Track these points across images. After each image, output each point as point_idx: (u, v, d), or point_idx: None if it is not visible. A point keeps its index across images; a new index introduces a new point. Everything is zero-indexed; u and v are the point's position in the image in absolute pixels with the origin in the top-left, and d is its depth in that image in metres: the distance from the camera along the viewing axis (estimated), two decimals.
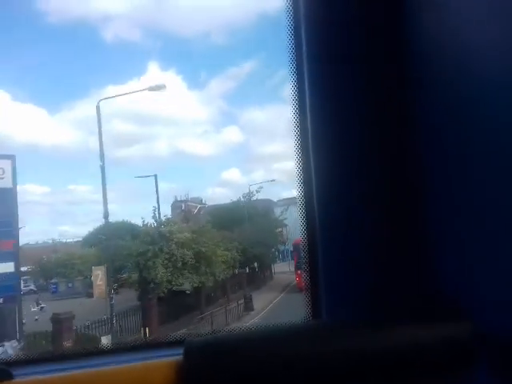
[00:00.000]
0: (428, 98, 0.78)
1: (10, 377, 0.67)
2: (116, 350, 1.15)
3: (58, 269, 27.34)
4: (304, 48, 0.89)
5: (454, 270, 0.75)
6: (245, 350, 0.65)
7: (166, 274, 16.73)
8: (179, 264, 17.23)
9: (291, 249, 70.23)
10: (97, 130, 16.55)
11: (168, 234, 17.54)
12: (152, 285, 16.43)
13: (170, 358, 0.66)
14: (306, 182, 0.93)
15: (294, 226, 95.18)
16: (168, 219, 20.62)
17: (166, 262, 16.93)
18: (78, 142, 44.01)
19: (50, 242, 36.29)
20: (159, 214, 19.56)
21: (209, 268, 18.49)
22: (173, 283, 16.99)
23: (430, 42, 0.77)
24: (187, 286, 17.97)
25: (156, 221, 19.05)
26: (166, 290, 16.72)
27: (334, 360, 0.64)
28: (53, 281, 27.99)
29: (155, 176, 22.12)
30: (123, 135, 45.28)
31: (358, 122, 0.85)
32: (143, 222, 19.33)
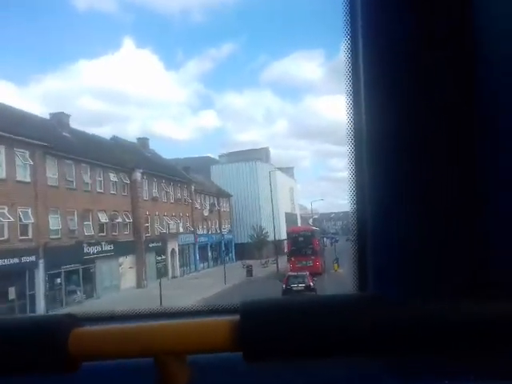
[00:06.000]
0: (497, 88, 0.77)
1: (79, 325, 0.71)
2: (174, 313, 1.19)
3: None
4: (360, 45, 0.87)
5: (507, 248, 0.77)
6: (297, 313, 0.69)
7: None
8: None
9: (242, 240, 51.89)
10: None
11: None
12: None
13: (227, 318, 0.70)
14: (357, 152, 0.93)
15: (245, 195, 59.00)
16: None
17: None
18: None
19: None
20: None
21: None
22: None
23: (503, 22, 0.75)
24: None
25: None
26: None
27: (382, 331, 0.67)
28: None
29: None
30: (93, 114, 33.09)
31: (419, 112, 0.83)
32: None
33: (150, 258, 32.84)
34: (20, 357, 0.67)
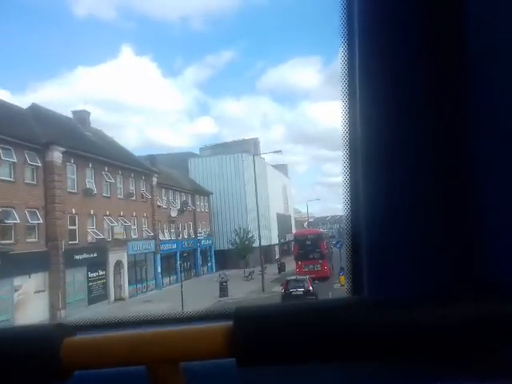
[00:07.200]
0: (492, 94, 0.77)
1: (71, 334, 0.72)
2: (166, 319, 1.21)
3: None
4: (356, 54, 0.88)
5: (501, 252, 0.79)
6: (291, 319, 0.69)
7: None
8: None
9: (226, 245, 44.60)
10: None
11: None
12: None
13: (220, 324, 0.69)
14: (352, 156, 0.95)
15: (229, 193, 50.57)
16: None
17: None
18: None
19: None
20: None
21: None
22: None
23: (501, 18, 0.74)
24: None
25: None
26: None
27: (374, 334, 0.67)
28: None
29: None
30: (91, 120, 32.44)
31: (415, 115, 0.85)
32: None
33: (77, 276, 23.17)
34: (12, 367, 0.67)
